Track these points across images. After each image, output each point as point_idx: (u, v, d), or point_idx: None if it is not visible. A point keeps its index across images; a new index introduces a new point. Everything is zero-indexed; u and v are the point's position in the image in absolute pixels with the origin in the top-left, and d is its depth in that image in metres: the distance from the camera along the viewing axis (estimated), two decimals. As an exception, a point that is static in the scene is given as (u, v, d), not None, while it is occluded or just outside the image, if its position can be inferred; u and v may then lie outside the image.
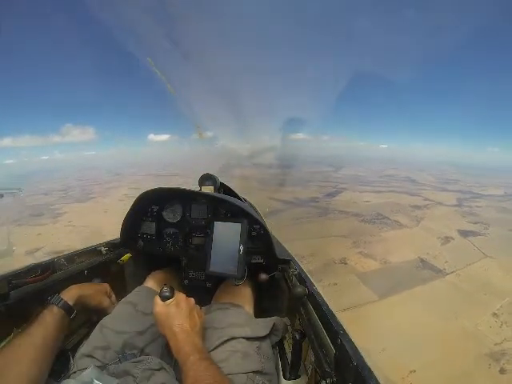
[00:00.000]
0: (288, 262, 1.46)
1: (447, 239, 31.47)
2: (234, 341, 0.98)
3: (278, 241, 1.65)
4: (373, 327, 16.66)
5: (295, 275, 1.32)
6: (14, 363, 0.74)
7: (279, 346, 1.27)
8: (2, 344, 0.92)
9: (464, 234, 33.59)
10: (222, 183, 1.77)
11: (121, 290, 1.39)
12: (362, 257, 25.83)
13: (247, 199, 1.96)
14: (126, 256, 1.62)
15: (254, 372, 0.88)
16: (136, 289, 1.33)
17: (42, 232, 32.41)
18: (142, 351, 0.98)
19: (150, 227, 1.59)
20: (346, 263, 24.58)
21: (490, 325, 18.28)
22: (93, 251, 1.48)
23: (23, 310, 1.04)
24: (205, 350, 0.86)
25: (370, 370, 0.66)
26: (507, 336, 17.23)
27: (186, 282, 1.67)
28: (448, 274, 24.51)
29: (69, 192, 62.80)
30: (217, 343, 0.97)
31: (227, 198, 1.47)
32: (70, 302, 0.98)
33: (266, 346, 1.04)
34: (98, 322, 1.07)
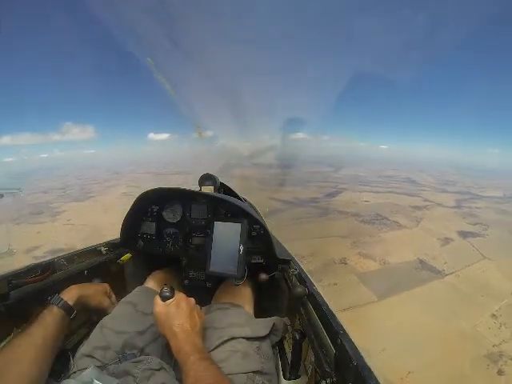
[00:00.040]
0: (288, 261, 1.46)
1: (446, 240, 31.55)
2: (234, 341, 0.98)
3: (277, 241, 1.65)
4: (373, 327, 16.71)
5: (295, 275, 1.32)
6: (14, 363, 0.74)
7: (279, 346, 1.27)
8: (2, 344, 0.92)
9: (463, 235, 33.69)
10: (222, 183, 1.77)
11: (121, 290, 1.39)
12: (361, 257, 25.88)
13: (247, 199, 1.96)
14: (126, 256, 1.61)
15: (253, 372, 0.88)
16: (136, 289, 1.33)
17: (41, 230, 32.39)
18: (142, 351, 0.98)
19: (149, 227, 1.59)
20: (345, 263, 24.62)
21: (488, 326, 18.34)
22: (93, 251, 1.48)
23: (23, 310, 1.04)
24: (205, 350, 0.86)
25: (370, 369, 0.66)
26: (505, 337, 17.29)
27: (186, 281, 1.67)
28: (447, 274, 24.58)
29: (68, 191, 62.77)
30: (217, 343, 0.97)
31: (227, 198, 1.47)
32: (70, 302, 0.98)
33: (266, 346, 1.04)
34: (97, 322, 1.07)
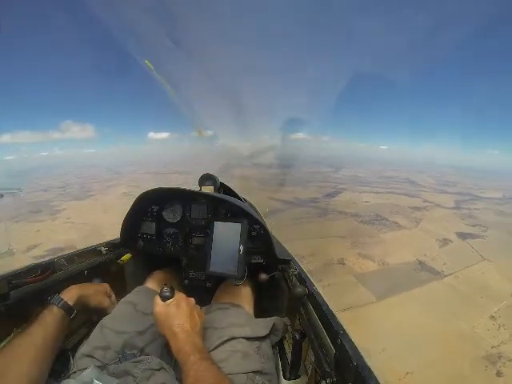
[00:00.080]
0: (288, 262, 1.46)
1: (445, 241, 31.57)
2: (234, 341, 0.98)
3: (278, 241, 1.65)
4: (372, 328, 16.72)
5: (295, 275, 1.32)
6: (14, 363, 0.74)
7: (279, 346, 1.27)
8: (2, 344, 0.92)
9: (462, 236, 33.70)
10: (222, 183, 1.77)
11: (121, 290, 1.39)
12: (360, 258, 25.89)
13: (247, 199, 1.96)
14: (126, 256, 1.61)
15: (253, 372, 0.88)
16: (136, 289, 1.33)
17: (41, 228, 32.35)
18: (142, 351, 0.98)
19: (149, 227, 1.59)
20: (344, 264, 24.62)
21: (487, 327, 18.36)
22: (93, 251, 1.48)
23: (23, 310, 1.03)
24: (205, 350, 0.86)
25: (370, 369, 0.66)
26: (504, 339, 17.32)
27: (186, 281, 1.67)
28: (446, 276, 24.60)
29: (68, 189, 62.71)
30: (217, 343, 0.97)
31: (227, 198, 1.47)
32: (70, 302, 0.98)
33: (266, 346, 1.04)
34: (97, 322, 1.07)
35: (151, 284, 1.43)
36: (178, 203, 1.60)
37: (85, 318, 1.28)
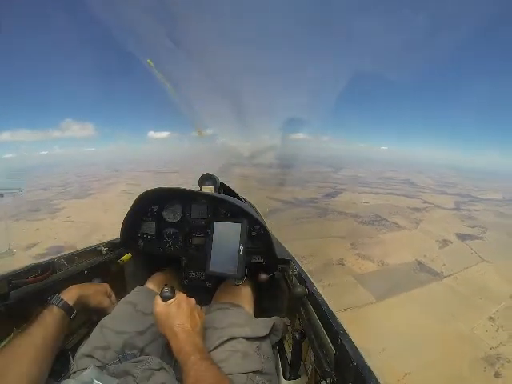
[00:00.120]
0: (288, 261, 1.46)
1: (445, 242, 31.59)
2: (234, 341, 0.98)
3: (278, 241, 1.65)
4: (372, 328, 16.73)
5: (295, 275, 1.32)
6: (14, 363, 0.74)
7: (279, 346, 1.27)
8: (2, 344, 0.92)
9: (462, 237, 33.72)
10: (222, 183, 1.77)
11: (121, 290, 1.39)
12: (359, 258, 25.90)
13: (247, 199, 1.96)
14: (126, 256, 1.61)
15: (253, 372, 0.88)
16: (136, 289, 1.33)
17: (40, 227, 32.31)
18: (142, 351, 0.98)
19: (149, 227, 1.59)
20: (343, 264, 24.63)
21: (486, 329, 18.38)
22: (93, 251, 1.48)
23: (23, 310, 1.03)
24: (206, 350, 0.87)
25: (369, 370, 0.66)
26: (503, 340, 17.34)
27: (186, 281, 1.67)
28: (445, 276, 24.62)
29: (68, 188, 62.65)
30: (217, 343, 0.97)
31: (227, 198, 1.47)
32: (70, 302, 0.98)
33: (266, 346, 1.04)
34: (97, 322, 1.07)
35: (151, 284, 1.43)
36: (178, 203, 1.60)
37: (85, 318, 1.27)
